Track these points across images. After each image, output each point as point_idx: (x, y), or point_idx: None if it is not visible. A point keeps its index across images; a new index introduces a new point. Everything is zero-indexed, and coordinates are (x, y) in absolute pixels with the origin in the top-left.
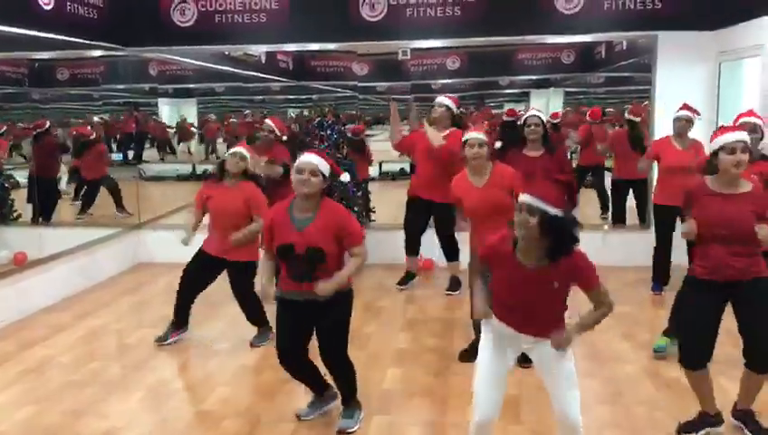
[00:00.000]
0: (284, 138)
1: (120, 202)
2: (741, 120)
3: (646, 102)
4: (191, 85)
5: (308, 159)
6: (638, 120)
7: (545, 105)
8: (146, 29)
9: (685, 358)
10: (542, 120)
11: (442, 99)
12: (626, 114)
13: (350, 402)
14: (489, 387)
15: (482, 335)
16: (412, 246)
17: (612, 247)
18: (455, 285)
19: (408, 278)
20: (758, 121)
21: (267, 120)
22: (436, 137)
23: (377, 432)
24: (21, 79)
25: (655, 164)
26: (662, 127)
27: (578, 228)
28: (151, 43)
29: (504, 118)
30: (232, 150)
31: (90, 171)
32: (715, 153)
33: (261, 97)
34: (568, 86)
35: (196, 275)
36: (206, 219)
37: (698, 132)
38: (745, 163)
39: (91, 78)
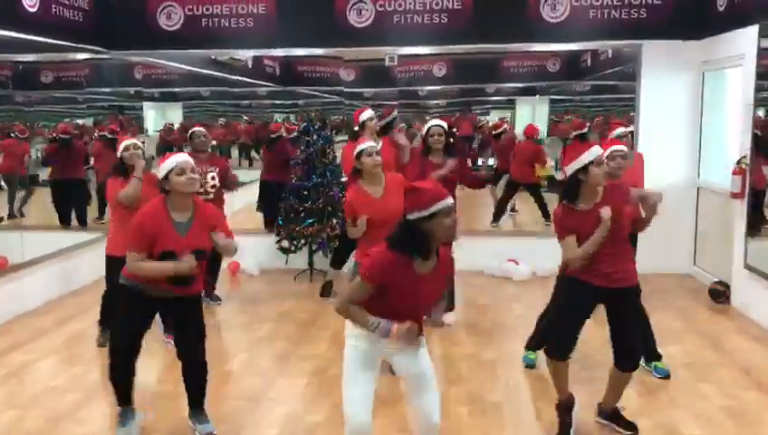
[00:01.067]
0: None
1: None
2: (615, 133)
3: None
4: (177, 89)
5: (186, 158)
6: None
7: (531, 112)
8: (132, 32)
9: (558, 350)
10: (445, 130)
11: (368, 112)
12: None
13: (201, 408)
14: (360, 390)
15: (346, 351)
16: (341, 262)
17: None
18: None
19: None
20: (625, 150)
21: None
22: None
23: None
24: (5, 81)
25: None
26: (647, 137)
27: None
28: (137, 46)
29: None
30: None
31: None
32: (582, 169)
33: (247, 102)
34: (553, 94)
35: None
36: None
37: (682, 140)
38: (626, 166)
39: (76, 81)
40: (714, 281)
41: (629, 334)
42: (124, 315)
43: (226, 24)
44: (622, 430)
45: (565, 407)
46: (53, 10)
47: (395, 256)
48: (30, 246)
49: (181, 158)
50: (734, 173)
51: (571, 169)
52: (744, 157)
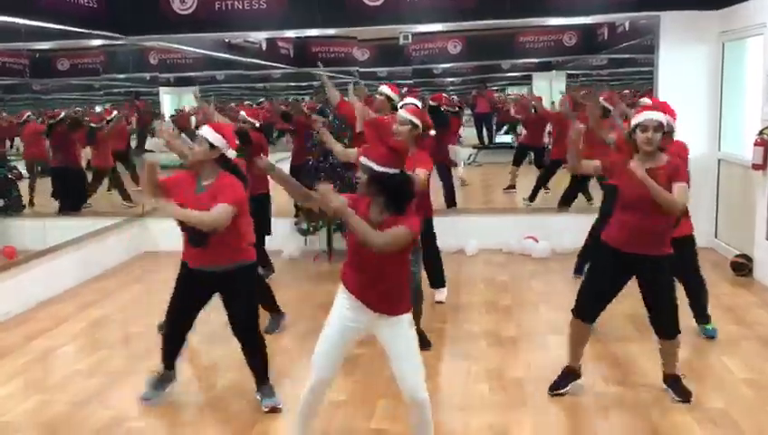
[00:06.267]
0: (258, 124)
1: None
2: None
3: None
4: (192, 74)
5: (201, 129)
6: (611, 107)
7: (548, 88)
8: (146, 17)
9: (577, 307)
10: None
11: (382, 88)
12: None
13: (265, 383)
14: (330, 348)
15: (334, 303)
16: None
17: None
18: None
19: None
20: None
21: (241, 112)
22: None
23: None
24: (21, 70)
25: None
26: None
27: (409, 187)
28: (151, 31)
29: (430, 102)
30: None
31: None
32: (633, 129)
33: (262, 84)
34: (570, 69)
35: None
36: None
37: (702, 112)
38: (657, 142)
39: (92, 68)
40: (736, 254)
41: (656, 304)
42: (179, 288)
43: (240, 7)
44: (675, 396)
45: (567, 373)
46: None
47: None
48: (52, 233)
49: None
50: (755, 145)
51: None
52: (766, 128)
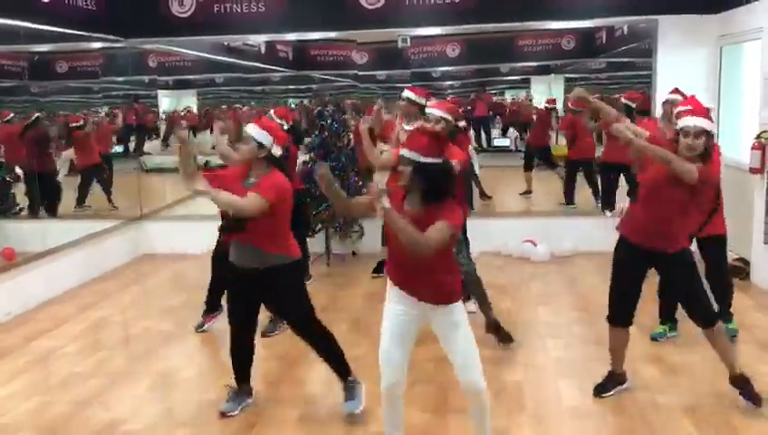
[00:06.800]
0: (285, 126)
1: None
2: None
3: (643, 88)
4: (191, 76)
5: (247, 127)
6: (633, 105)
7: (546, 91)
8: (145, 20)
9: (612, 316)
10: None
11: (405, 92)
12: (622, 99)
13: (347, 382)
14: (392, 350)
15: (386, 303)
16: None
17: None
18: None
19: (381, 268)
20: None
21: (270, 111)
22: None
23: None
24: (20, 72)
25: None
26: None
27: (451, 176)
28: (150, 34)
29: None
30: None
31: (80, 160)
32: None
33: (261, 87)
34: (569, 72)
35: (221, 262)
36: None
37: None
38: (697, 148)
39: (91, 70)
40: (733, 258)
41: (683, 297)
42: (229, 295)
43: (238, 10)
44: (741, 398)
45: (610, 377)
46: (66, 0)
47: (399, 189)
48: (51, 236)
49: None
50: (752, 148)
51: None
52: (764, 132)
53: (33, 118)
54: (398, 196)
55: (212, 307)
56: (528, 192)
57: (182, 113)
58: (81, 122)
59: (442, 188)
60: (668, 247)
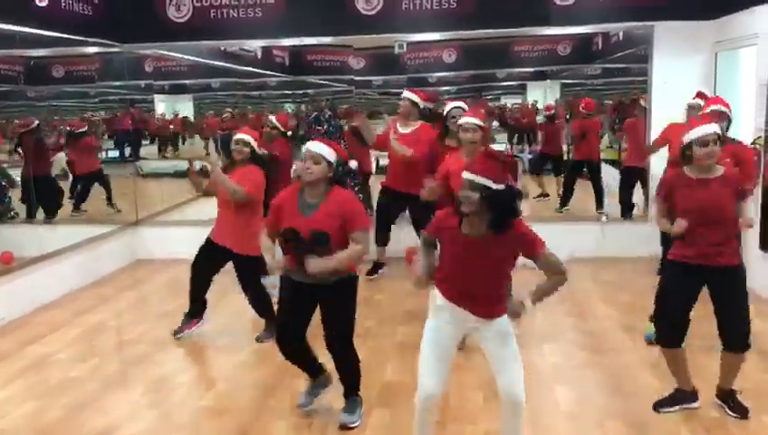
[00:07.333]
0: (289, 133)
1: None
2: (710, 109)
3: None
4: (187, 81)
5: (311, 146)
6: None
7: (542, 97)
8: (141, 25)
9: (663, 337)
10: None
11: (406, 93)
12: (641, 102)
13: (352, 397)
14: (433, 362)
15: (429, 314)
16: (382, 239)
17: (612, 238)
18: None
19: (376, 268)
20: (725, 109)
21: (271, 117)
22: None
23: (378, 424)
24: (16, 76)
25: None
26: (660, 117)
27: (519, 201)
28: (147, 39)
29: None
30: (235, 138)
31: (81, 166)
32: (689, 145)
33: (257, 92)
34: (565, 78)
35: (203, 265)
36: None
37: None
38: (717, 153)
39: (87, 75)
40: None
41: (728, 315)
42: (279, 304)
43: (235, 15)
44: (731, 413)
45: (676, 396)
46: (63, 4)
47: (446, 211)
48: (47, 241)
49: (308, 145)
50: None
51: (685, 140)
52: (759, 138)
53: (34, 125)
54: (451, 220)
55: (196, 313)
56: (545, 195)
57: (169, 118)
58: (85, 128)
59: (509, 214)
60: (727, 261)
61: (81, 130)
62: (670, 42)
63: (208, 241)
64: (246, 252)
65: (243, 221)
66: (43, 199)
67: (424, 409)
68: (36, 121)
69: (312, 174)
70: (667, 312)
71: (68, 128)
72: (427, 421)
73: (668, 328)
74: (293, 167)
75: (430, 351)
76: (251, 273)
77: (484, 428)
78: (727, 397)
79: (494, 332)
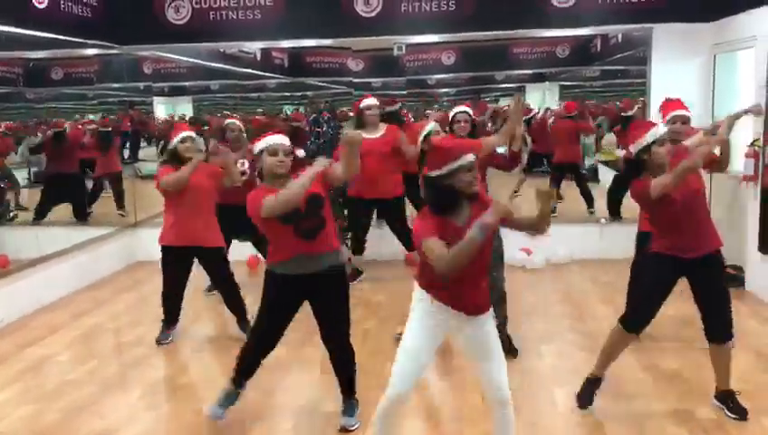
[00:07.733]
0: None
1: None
2: (672, 114)
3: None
4: (186, 83)
5: (280, 139)
6: (630, 114)
7: (541, 99)
8: (140, 27)
9: (634, 326)
10: (470, 115)
11: (368, 101)
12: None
13: (350, 399)
14: (412, 362)
15: (412, 314)
16: (360, 249)
17: (610, 240)
18: None
19: (355, 275)
20: (687, 114)
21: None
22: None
23: None
24: (15, 78)
25: None
26: (659, 119)
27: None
28: (146, 41)
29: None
30: (181, 136)
31: (102, 167)
32: (647, 147)
33: (256, 94)
34: (563, 80)
35: (175, 277)
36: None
37: (693, 124)
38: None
39: (86, 77)
40: (727, 265)
41: (713, 303)
42: (263, 300)
43: (234, 17)
44: (730, 414)
45: (592, 382)
46: (62, 6)
47: (429, 215)
48: (45, 242)
49: (276, 139)
50: (746, 156)
51: (634, 148)
52: (757, 139)
53: (62, 129)
54: (442, 218)
55: (172, 321)
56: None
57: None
58: (110, 129)
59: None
60: (710, 248)
61: (107, 130)
62: (669, 44)
63: (167, 251)
64: (214, 244)
65: (207, 213)
66: (74, 197)
67: (394, 408)
68: (66, 123)
69: (287, 166)
70: (653, 305)
71: (95, 127)
72: (393, 422)
73: (644, 319)
74: (240, 161)
75: (416, 350)
76: (222, 264)
77: (484, 428)
78: (726, 398)
79: (477, 328)
